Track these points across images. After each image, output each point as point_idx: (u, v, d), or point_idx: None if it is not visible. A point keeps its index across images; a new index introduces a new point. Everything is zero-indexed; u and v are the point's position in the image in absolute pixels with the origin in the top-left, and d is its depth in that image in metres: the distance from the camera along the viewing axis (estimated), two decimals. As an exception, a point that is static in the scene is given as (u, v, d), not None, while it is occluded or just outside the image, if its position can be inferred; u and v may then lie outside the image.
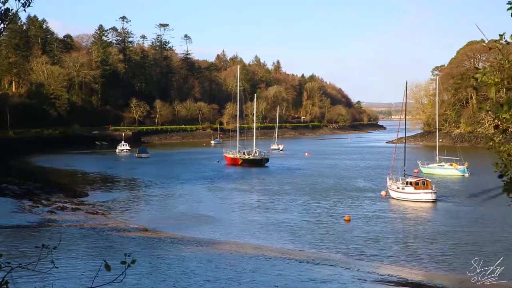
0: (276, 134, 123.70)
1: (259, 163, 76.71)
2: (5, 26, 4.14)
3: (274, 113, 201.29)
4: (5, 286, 4.29)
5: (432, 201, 42.74)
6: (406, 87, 51.40)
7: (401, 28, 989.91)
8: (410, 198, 43.54)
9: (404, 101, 51.23)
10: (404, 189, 44.56)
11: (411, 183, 44.68)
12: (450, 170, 62.95)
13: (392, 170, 48.73)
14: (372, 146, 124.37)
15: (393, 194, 45.41)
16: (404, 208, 40.62)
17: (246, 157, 78.17)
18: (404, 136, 55.84)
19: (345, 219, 35.68)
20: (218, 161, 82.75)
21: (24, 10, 4.18)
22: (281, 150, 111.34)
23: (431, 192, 43.19)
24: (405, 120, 53.76)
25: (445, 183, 55.60)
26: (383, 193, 47.03)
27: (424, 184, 44.49)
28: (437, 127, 77.18)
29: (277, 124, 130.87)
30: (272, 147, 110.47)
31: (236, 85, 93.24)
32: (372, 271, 22.09)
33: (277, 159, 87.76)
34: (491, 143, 5.09)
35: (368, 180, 58.63)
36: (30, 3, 4.12)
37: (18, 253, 19.88)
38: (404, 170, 48.28)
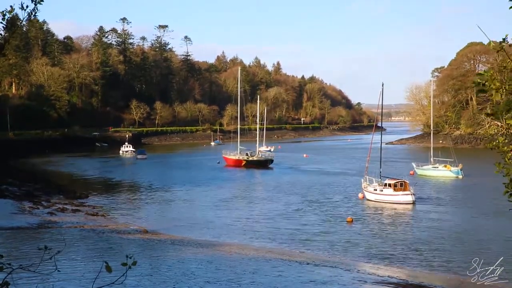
0: (265, 135, 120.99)
1: (264, 164, 76.38)
2: (11, 34, 4.18)
3: (274, 115, 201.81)
4: (5, 287, 4.30)
5: (412, 203, 41.95)
6: (383, 88, 50.63)
7: (402, 29, 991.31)
8: (389, 200, 42.69)
9: (380, 102, 50.31)
10: (382, 191, 43.73)
11: (389, 185, 43.71)
12: (444, 172, 62.47)
13: (367, 171, 47.99)
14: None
15: (370, 196, 44.47)
16: (390, 210, 40.28)
17: (250, 158, 77.90)
18: (380, 137, 54.43)
19: (347, 220, 35.67)
20: (219, 163, 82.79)
21: (30, 19, 4.23)
22: (271, 151, 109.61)
23: (410, 194, 42.45)
24: (381, 121, 53.28)
25: (438, 184, 55.56)
26: (360, 195, 46.38)
27: (402, 186, 43.68)
28: (431, 128, 77.19)
29: (265, 126, 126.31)
30: (259, 149, 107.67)
31: (236, 87, 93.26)
32: (372, 273, 22.09)
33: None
34: (494, 143, 5.09)
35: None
36: (36, 12, 4.17)
37: (18, 254, 19.87)
38: (380, 172, 47.17)
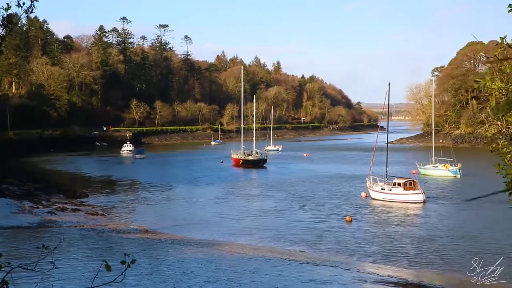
0: (272, 135, 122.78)
1: (257, 164, 77.40)
2: (8, 32, 4.18)
3: (274, 114, 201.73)
4: (5, 286, 4.30)
5: (422, 202, 41.99)
6: (389, 88, 50.63)
7: (403, 29, 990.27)
8: (399, 200, 42.56)
9: (387, 102, 50.35)
10: (391, 190, 43.57)
11: (399, 184, 43.53)
12: (442, 171, 62.50)
13: (370, 170, 47.81)
14: (371, 148, 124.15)
15: (376, 195, 44.27)
16: (398, 209, 40.26)
17: (246, 158, 78.81)
18: (387, 136, 54.31)
19: (346, 219, 35.66)
20: (222, 162, 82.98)
21: (27, 16, 4.24)
22: (279, 151, 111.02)
23: (420, 193, 42.43)
24: (388, 120, 53.30)
25: (436, 184, 55.47)
26: (363, 194, 46.26)
27: (411, 185, 43.55)
28: (433, 127, 77.22)
29: (272, 125, 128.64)
30: (267, 148, 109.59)
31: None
32: (372, 272, 22.08)
33: (273, 160, 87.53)
34: (494, 145, 5.09)
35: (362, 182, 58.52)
36: (32, 9, 4.17)
37: (18, 253, 19.87)
38: (386, 171, 46.98)
